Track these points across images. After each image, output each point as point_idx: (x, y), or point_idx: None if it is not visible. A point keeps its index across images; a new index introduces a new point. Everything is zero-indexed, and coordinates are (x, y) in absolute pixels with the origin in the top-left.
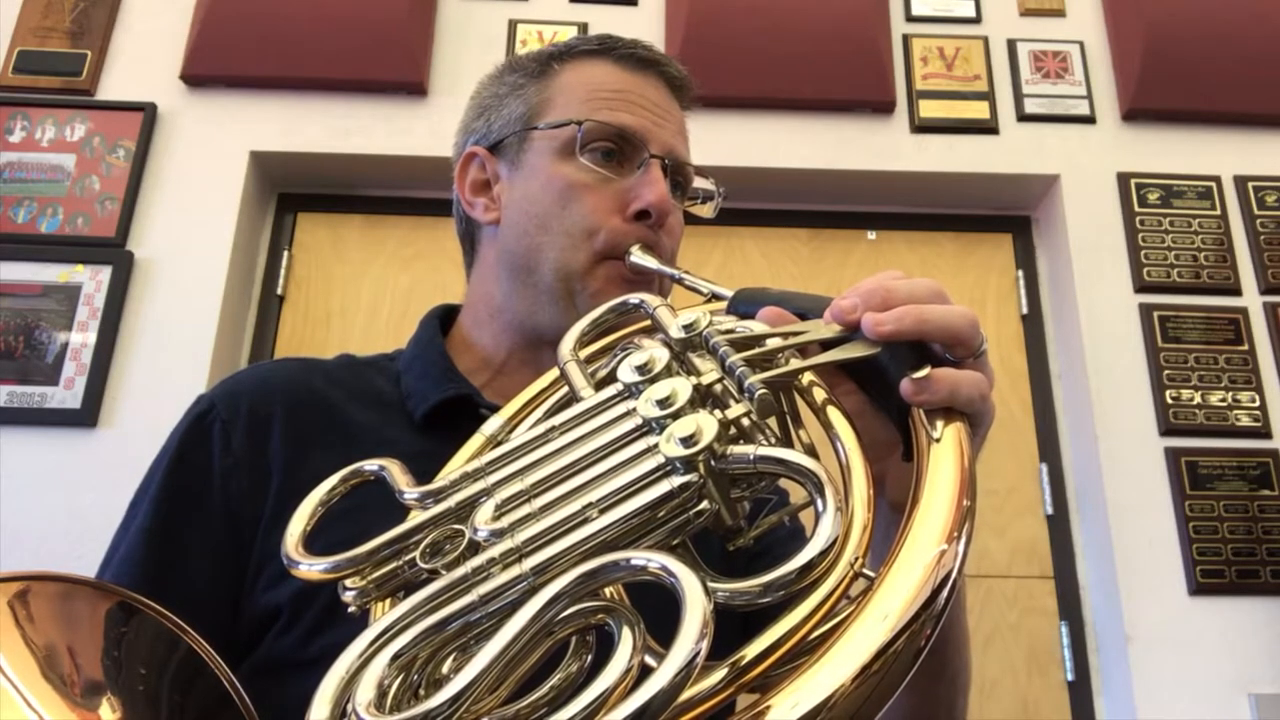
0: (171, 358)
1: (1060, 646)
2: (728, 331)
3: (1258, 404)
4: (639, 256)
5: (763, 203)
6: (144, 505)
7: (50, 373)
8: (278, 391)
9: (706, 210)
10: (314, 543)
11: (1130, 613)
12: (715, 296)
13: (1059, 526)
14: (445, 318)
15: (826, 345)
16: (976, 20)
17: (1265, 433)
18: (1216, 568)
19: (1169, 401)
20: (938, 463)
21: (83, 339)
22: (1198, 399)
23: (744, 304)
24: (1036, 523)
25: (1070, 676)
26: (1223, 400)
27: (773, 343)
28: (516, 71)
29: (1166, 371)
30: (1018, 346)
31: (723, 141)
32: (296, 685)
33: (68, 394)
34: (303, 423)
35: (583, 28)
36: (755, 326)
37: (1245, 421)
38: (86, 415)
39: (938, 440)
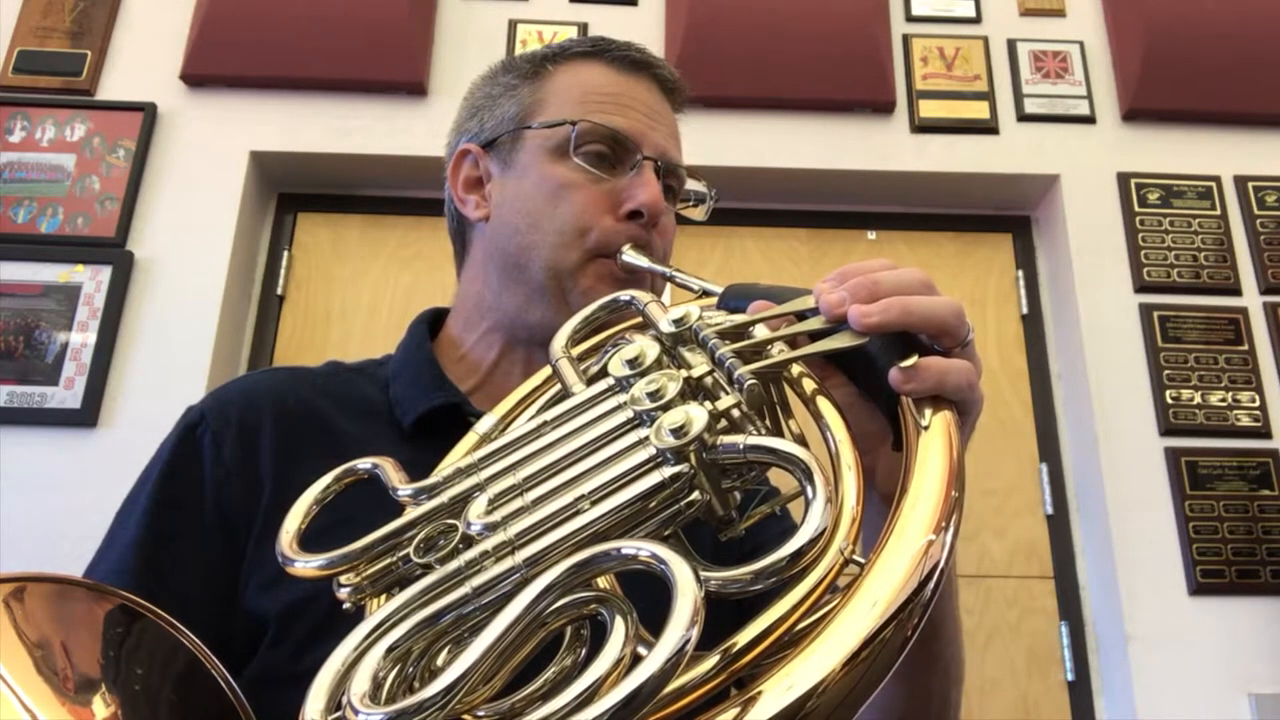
0: (171, 358)
1: (1060, 646)
2: (717, 325)
3: (1258, 404)
4: (630, 255)
5: (763, 203)
6: (134, 517)
7: (50, 373)
8: (266, 402)
9: (698, 213)
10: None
11: (1130, 613)
12: (706, 293)
13: (1059, 526)
14: (434, 322)
15: (815, 337)
16: (976, 20)
17: (1265, 433)
18: (1216, 568)
19: (1169, 401)
20: (926, 452)
21: (83, 339)
22: (1198, 399)
23: (734, 299)
24: (1036, 523)
25: (1070, 676)
26: (1223, 400)
27: (761, 335)
28: (510, 72)
29: (1166, 371)
30: (1018, 346)
31: (723, 141)
32: (292, 698)
33: (68, 394)
34: (291, 433)
35: (583, 28)
36: (744, 320)
37: (1245, 421)
38: (86, 415)
39: (926, 428)
